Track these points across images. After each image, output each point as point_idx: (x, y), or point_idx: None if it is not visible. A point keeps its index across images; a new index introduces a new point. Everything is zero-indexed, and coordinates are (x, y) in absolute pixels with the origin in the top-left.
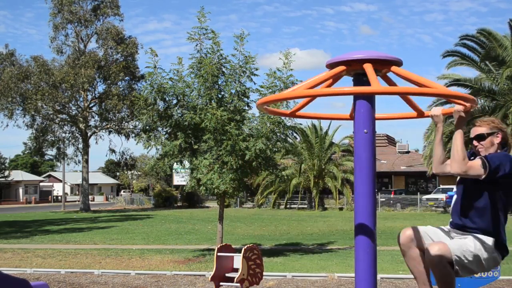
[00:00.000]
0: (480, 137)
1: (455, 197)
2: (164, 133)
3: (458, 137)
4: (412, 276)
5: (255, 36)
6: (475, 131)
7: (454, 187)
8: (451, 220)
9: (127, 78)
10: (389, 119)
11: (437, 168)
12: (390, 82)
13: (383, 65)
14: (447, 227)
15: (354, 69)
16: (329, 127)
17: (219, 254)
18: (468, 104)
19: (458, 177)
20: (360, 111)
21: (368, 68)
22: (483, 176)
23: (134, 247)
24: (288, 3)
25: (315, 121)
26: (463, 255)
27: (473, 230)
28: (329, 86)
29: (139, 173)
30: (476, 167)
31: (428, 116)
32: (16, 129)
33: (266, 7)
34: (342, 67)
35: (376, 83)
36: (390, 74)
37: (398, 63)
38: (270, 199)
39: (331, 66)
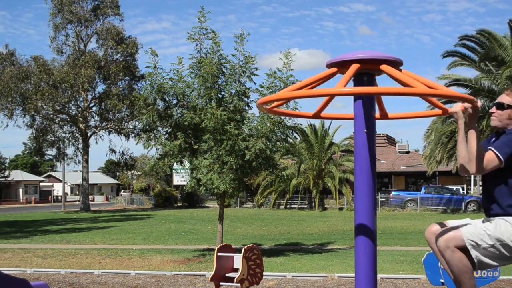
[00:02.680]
0: (500, 106)
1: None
2: (164, 133)
3: (472, 138)
4: (411, 276)
5: (254, 37)
6: (500, 98)
7: (454, 187)
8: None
9: (127, 78)
10: (406, 118)
11: (461, 168)
12: (402, 82)
13: (374, 65)
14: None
15: (360, 69)
16: (330, 127)
17: (219, 254)
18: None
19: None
20: (360, 111)
21: (352, 68)
22: (502, 165)
23: (134, 247)
24: (287, 4)
25: (315, 121)
26: (479, 238)
27: (499, 214)
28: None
29: (139, 173)
30: (490, 160)
31: (450, 114)
32: (16, 129)
33: (264, 8)
34: (334, 69)
35: (341, 85)
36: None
37: (391, 62)
38: (270, 199)
39: (330, 66)
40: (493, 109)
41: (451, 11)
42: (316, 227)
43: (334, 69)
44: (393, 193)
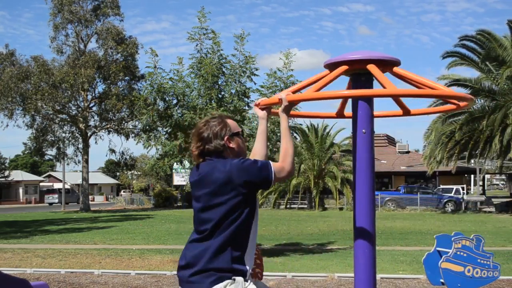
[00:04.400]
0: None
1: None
2: (164, 133)
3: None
4: (411, 276)
5: (254, 37)
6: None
7: (454, 187)
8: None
9: (127, 78)
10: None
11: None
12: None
13: (385, 66)
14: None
15: (355, 69)
16: (332, 128)
17: None
18: None
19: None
20: (359, 112)
21: (374, 69)
22: None
23: (134, 247)
24: (286, 4)
25: (315, 121)
26: None
27: None
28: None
29: (139, 173)
30: None
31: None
32: (16, 129)
33: (263, 8)
34: (344, 67)
35: (391, 85)
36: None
37: (398, 64)
38: (270, 199)
39: (329, 66)
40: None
41: (450, 11)
42: (316, 227)
43: (344, 67)
44: None
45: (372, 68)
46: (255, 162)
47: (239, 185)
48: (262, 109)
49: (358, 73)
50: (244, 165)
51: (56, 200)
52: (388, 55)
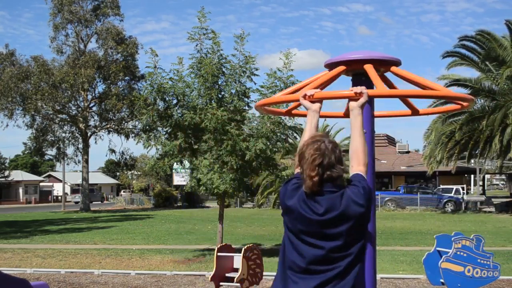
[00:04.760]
0: None
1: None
2: (164, 133)
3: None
4: (411, 276)
5: (253, 37)
6: None
7: (454, 187)
8: None
9: (127, 78)
10: (385, 117)
11: None
12: (388, 82)
13: (382, 65)
14: None
15: (354, 69)
16: (332, 128)
17: (219, 254)
18: None
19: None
20: None
21: (370, 69)
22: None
23: (134, 247)
24: (285, 4)
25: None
26: None
27: None
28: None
29: (139, 173)
30: None
31: (423, 114)
32: (16, 129)
33: (263, 8)
34: (342, 67)
35: (381, 86)
36: (387, 74)
37: (397, 63)
38: (270, 199)
39: (330, 66)
40: None
41: (450, 11)
42: None
43: (342, 68)
44: None
45: (368, 68)
46: (367, 183)
47: (369, 212)
48: (313, 102)
49: (359, 73)
50: (368, 190)
51: (81, 199)
52: (386, 54)
